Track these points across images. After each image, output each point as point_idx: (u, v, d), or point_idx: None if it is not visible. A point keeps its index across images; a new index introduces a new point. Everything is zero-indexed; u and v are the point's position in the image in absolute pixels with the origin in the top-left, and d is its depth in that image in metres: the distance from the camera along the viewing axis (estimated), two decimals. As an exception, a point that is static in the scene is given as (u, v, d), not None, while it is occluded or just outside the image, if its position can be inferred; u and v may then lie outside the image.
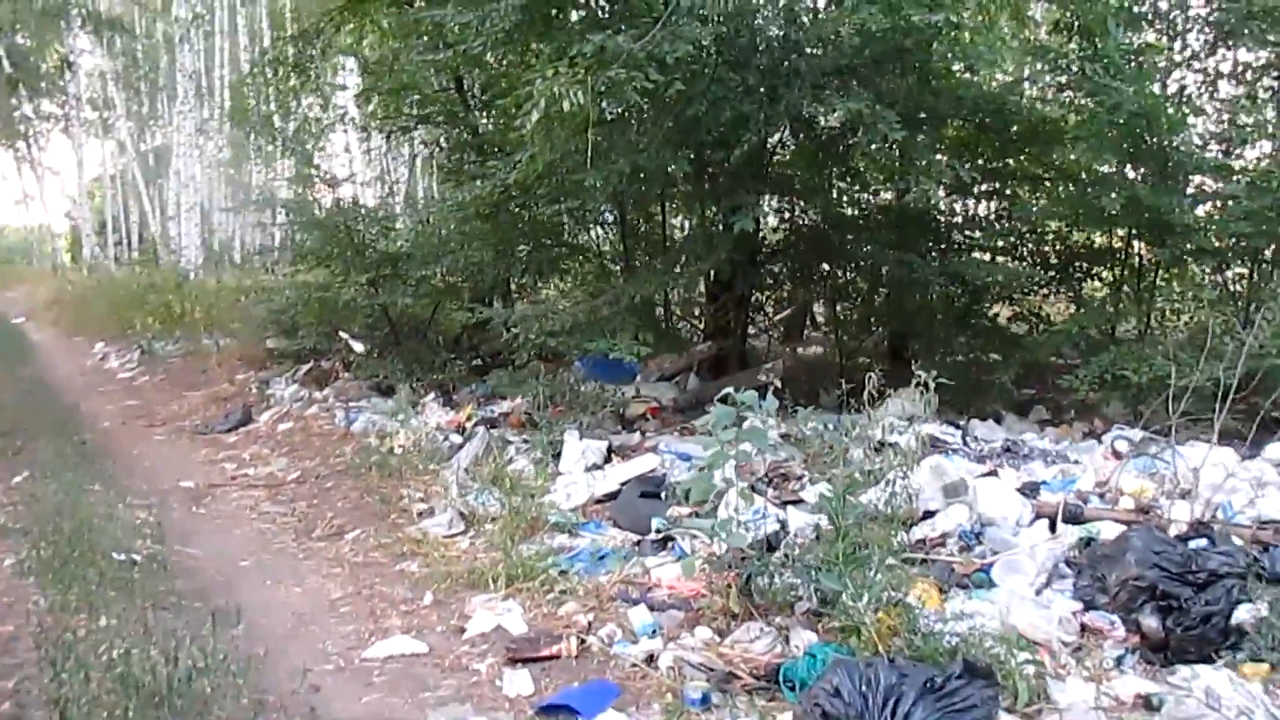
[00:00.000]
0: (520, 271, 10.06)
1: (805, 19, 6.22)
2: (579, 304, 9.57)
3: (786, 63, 6.14)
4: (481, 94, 11.03)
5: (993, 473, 5.21)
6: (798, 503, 5.17)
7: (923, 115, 6.80)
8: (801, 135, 7.36)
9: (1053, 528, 4.45)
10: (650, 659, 3.77)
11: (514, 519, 5.34)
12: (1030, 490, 4.91)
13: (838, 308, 10.86)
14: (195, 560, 5.22)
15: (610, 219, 10.61)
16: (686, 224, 11.52)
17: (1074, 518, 4.54)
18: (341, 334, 11.04)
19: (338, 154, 17.29)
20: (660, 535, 4.89)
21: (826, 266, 9.05)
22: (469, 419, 7.84)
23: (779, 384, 5.26)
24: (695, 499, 4.07)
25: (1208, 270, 7.63)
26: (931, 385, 4.07)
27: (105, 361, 14.86)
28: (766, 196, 7.27)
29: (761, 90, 6.08)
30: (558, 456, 6.52)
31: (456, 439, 7.15)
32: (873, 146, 6.03)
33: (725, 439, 3.96)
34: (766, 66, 6.12)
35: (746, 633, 3.82)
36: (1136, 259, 8.42)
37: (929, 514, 4.60)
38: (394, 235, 9.64)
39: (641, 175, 6.39)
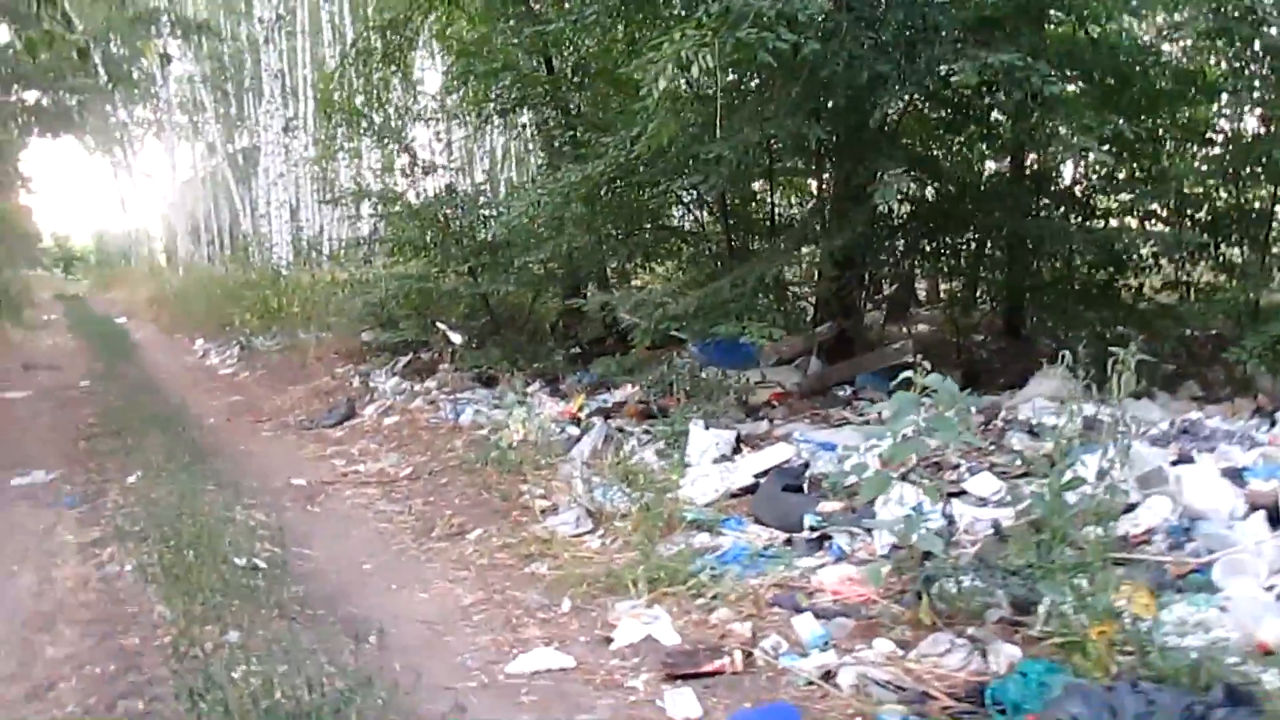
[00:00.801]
0: (624, 256, 9.70)
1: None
2: (699, 287, 9.22)
3: (922, 18, 5.62)
4: (572, 75, 10.70)
5: (1185, 459, 4.67)
6: (959, 494, 4.70)
7: (1071, 70, 6.20)
8: (932, 98, 6.80)
9: (1274, 521, 3.91)
10: (827, 675, 3.36)
11: (647, 516, 4.97)
12: (1233, 477, 4.36)
13: (952, 283, 10.30)
14: (316, 564, 4.97)
15: (710, 199, 10.21)
16: (792, 200, 11.09)
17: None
18: (439, 325, 10.84)
19: (424, 144, 17.08)
20: (815, 533, 4.47)
21: (946, 239, 8.47)
22: (580, 409, 7.52)
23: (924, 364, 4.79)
24: (868, 495, 3.64)
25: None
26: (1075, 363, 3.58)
27: (206, 358, 14.99)
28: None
29: (896, 49, 5.56)
30: (682, 448, 6.15)
31: (572, 430, 6.82)
32: (1018, 104, 5.49)
33: (897, 428, 3.53)
34: (899, 22, 5.61)
35: (934, 645, 3.38)
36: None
37: (1130, 507, 4.09)
38: (495, 222, 9.34)
39: (769, 145, 5.95)
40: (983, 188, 8.45)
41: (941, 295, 11.33)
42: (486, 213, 9.58)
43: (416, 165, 9.54)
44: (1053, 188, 7.75)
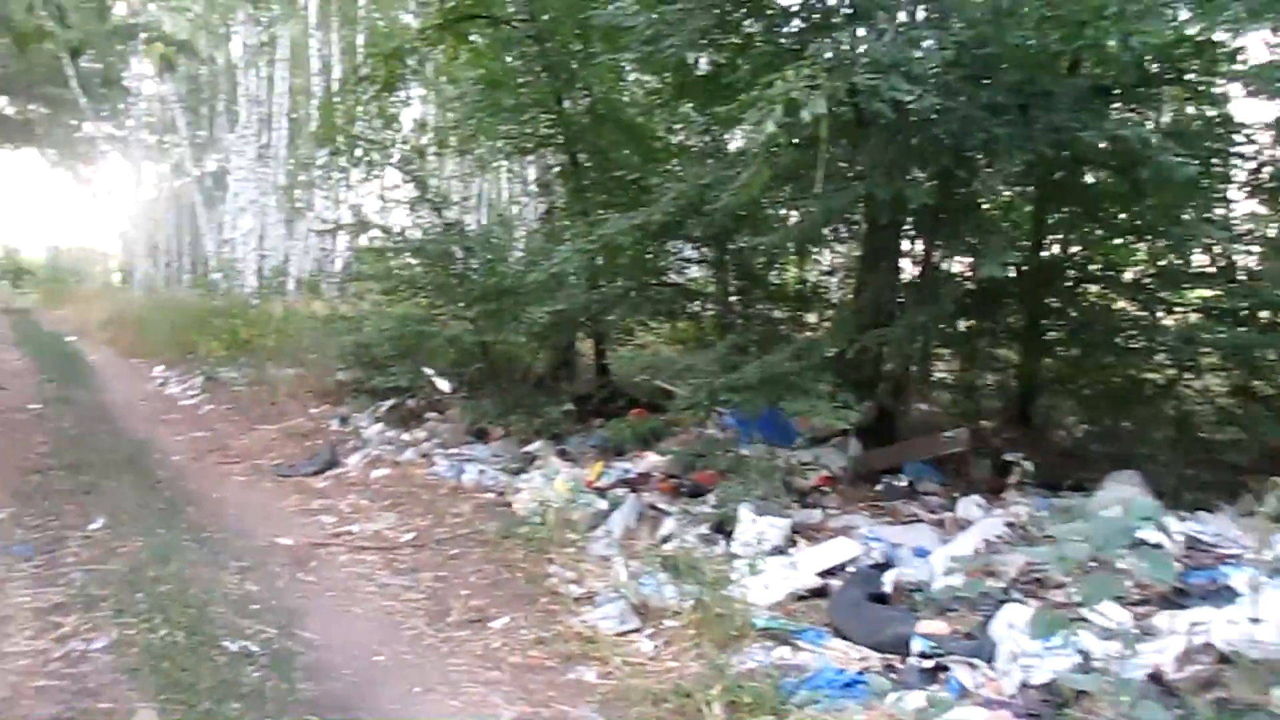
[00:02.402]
0: (631, 311, 9.10)
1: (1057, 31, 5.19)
2: (706, 349, 8.63)
3: (1031, 80, 5.14)
4: (588, 119, 10.19)
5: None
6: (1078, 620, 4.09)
7: (1208, 145, 5.68)
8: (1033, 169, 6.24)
9: None
10: None
11: (707, 618, 4.32)
12: None
13: (973, 366, 9.80)
14: (320, 651, 4.22)
15: (727, 259, 9.69)
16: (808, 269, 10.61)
17: None
18: (426, 371, 10.11)
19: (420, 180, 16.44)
20: (926, 660, 3.83)
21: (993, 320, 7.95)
22: (599, 477, 6.85)
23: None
24: (1039, 633, 3.01)
25: None
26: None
27: (166, 386, 14.05)
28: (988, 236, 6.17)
29: (1008, 112, 5.04)
30: (726, 533, 5.51)
31: (597, 503, 6.12)
32: (1134, 183, 5.01)
33: (1077, 551, 2.93)
34: (1014, 84, 5.12)
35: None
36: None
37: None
38: (502, 265, 8.72)
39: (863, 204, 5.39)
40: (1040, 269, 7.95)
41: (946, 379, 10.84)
42: (493, 255, 8.92)
43: (426, 198, 8.85)
44: (1118, 275, 7.25)
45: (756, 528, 5.33)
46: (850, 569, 4.94)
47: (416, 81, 12.56)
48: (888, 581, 4.63)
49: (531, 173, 17.97)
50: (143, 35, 26.97)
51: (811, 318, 10.02)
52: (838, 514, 5.82)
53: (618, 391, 10.89)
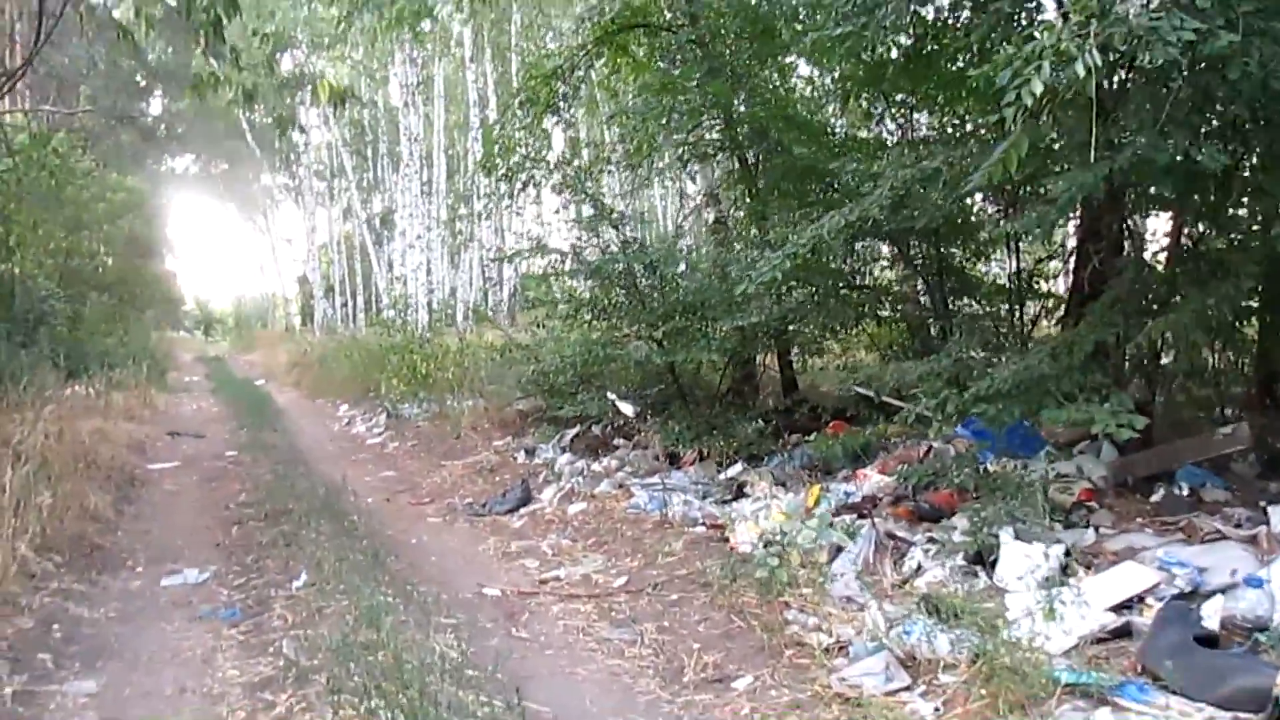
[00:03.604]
0: (826, 318, 8.42)
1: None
2: (915, 356, 7.88)
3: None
4: (756, 116, 9.57)
5: None
6: None
7: None
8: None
9: None
10: None
11: (993, 672, 3.62)
12: None
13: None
14: (553, 727, 3.75)
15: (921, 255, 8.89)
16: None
17: None
18: (609, 396, 9.68)
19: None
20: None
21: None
22: (817, 502, 6.21)
23: None
24: None
25: None
26: None
27: (351, 426, 14.24)
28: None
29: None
30: (988, 563, 4.78)
31: (828, 534, 5.47)
32: None
33: None
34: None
35: None
36: None
37: None
38: (690, 280, 8.22)
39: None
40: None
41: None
42: (677, 271, 8.43)
43: (605, 216, 8.43)
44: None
45: (1023, 556, 4.59)
46: (1150, 601, 4.14)
47: (579, 100, 12.20)
48: (1211, 616, 3.82)
49: (690, 186, 17.56)
50: (308, 87, 28.12)
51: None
52: (1113, 533, 4.97)
53: (807, 405, 10.23)
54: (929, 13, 6.49)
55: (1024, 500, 5.00)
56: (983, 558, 4.75)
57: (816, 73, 11.84)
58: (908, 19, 5.88)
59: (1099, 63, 3.39)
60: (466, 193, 30.86)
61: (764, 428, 8.61)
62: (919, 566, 4.90)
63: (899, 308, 9.18)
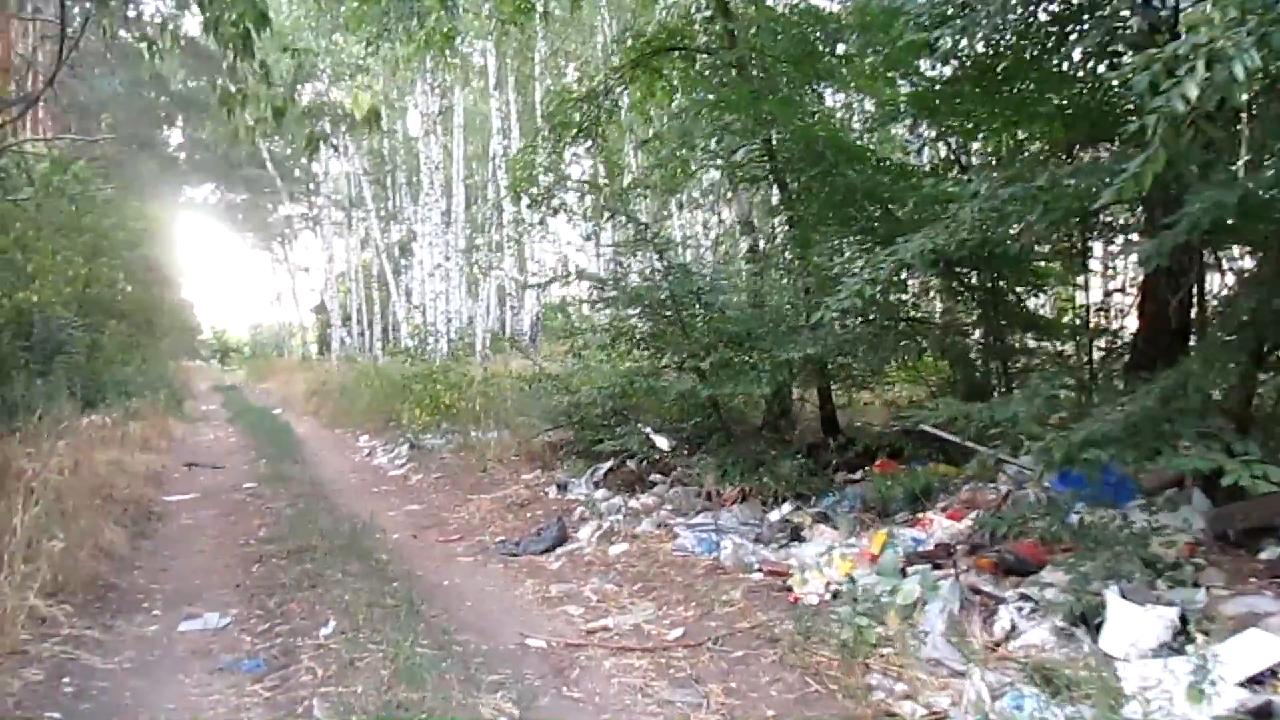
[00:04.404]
0: (891, 350, 8.02)
1: None
2: (964, 394, 7.46)
3: None
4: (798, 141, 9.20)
5: None
6: None
7: None
8: None
9: None
10: None
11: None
12: None
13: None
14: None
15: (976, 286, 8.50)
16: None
17: None
18: (643, 428, 9.25)
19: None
20: None
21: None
22: (882, 549, 5.75)
23: None
24: None
25: None
26: None
27: (373, 457, 13.84)
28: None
29: None
30: (1085, 624, 4.32)
31: (906, 587, 5.01)
32: None
33: None
34: None
35: None
36: None
37: None
38: (735, 311, 7.82)
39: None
40: None
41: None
42: (725, 297, 8.03)
43: (648, 239, 8.03)
44: None
45: (1135, 619, 4.13)
46: (1286, 675, 3.69)
47: (611, 125, 11.90)
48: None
49: (727, 212, 17.23)
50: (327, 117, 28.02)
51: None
52: (1227, 594, 4.50)
53: (851, 442, 9.78)
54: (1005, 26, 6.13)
55: (1125, 555, 4.53)
56: (1085, 619, 4.29)
57: (858, 99, 11.55)
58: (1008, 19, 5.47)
59: (1258, 63, 2.98)
60: (486, 221, 30.71)
61: (809, 464, 8.20)
62: (1013, 627, 4.44)
63: (952, 341, 8.79)
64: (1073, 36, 5.93)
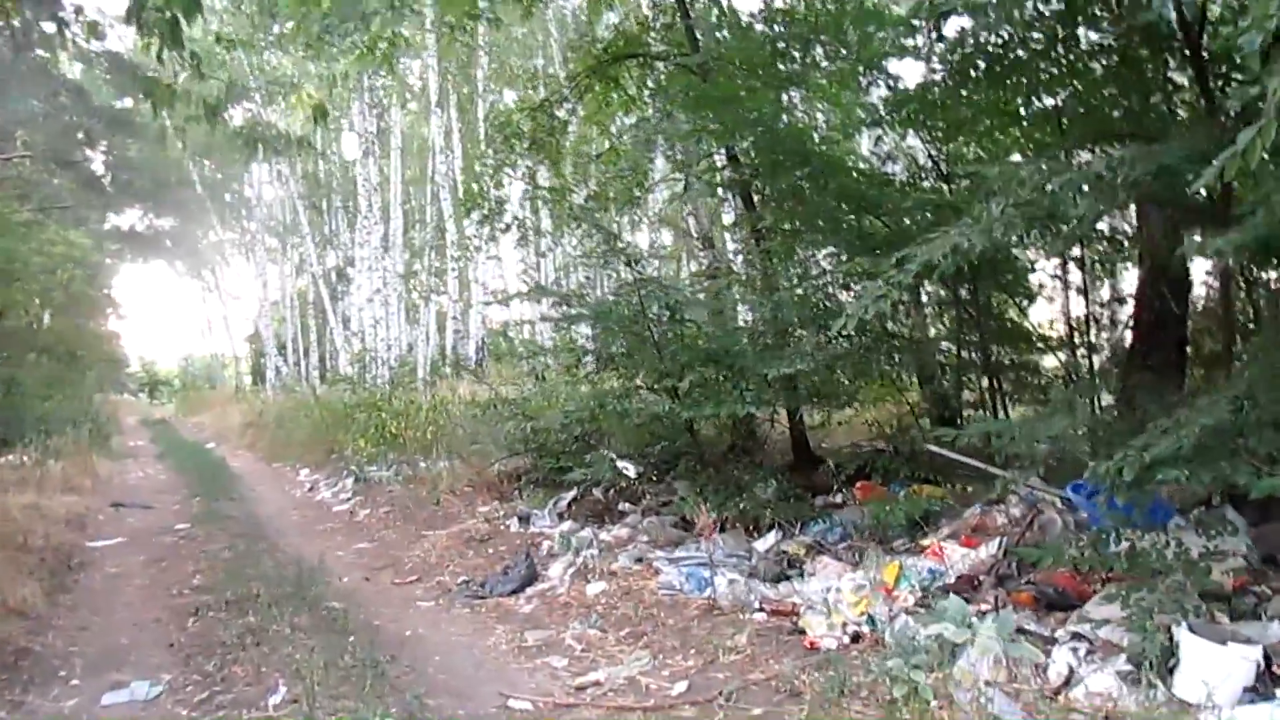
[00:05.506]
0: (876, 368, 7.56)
1: None
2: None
3: None
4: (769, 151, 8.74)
5: None
6: None
7: None
8: None
9: None
10: None
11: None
12: None
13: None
14: None
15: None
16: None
17: None
18: (608, 454, 8.66)
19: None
20: None
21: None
22: (897, 582, 5.22)
23: None
24: None
25: None
26: None
27: (315, 492, 13.00)
28: None
29: None
30: (1154, 666, 3.81)
31: (942, 629, 4.45)
32: None
33: None
34: None
35: None
36: None
37: None
38: (712, 327, 7.28)
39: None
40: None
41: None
42: (697, 312, 7.49)
43: (618, 250, 7.46)
44: None
45: (1214, 659, 3.64)
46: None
47: (566, 136, 11.37)
48: None
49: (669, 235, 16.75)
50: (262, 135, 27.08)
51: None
52: (1303, 627, 4.05)
53: (822, 463, 9.29)
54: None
55: (1184, 586, 4.05)
56: (1154, 662, 3.78)
57: (825, 107, 11.15)
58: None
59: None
60: (426, 245, 29.92)
61: (787, 488, 7.70)
62: (1071, 671, 3.92)
63: (936, 358, 8.37)
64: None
